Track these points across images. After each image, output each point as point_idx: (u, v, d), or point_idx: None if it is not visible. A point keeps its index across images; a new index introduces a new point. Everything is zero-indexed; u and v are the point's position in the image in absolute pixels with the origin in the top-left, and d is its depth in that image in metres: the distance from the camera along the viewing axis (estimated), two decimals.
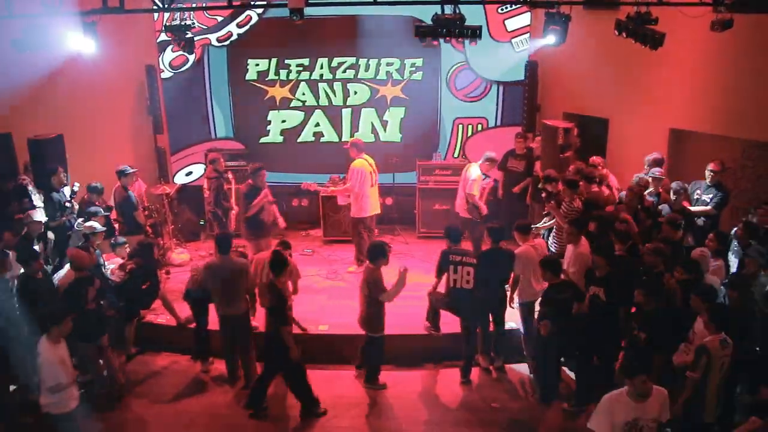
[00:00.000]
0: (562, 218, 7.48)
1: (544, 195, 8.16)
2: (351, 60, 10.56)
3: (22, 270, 6.52)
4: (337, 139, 10.87)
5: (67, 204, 7.85)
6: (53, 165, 7.84)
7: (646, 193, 7.69)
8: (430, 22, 6.85)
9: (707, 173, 7.50)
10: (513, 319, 7.29)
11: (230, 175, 9.45)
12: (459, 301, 6.79)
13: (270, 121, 10.92)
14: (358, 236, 9.11)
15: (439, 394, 6.88)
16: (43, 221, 7.36)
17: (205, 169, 9.72)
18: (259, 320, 7.14)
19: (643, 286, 5.76)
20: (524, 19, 10.26)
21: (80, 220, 7.65)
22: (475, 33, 6.78)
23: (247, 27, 10.58)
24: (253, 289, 6.98)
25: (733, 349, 5.06)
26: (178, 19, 7.56)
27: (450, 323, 7.08)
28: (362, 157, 8.94)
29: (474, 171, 8.81)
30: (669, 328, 5.66)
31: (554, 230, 7.73)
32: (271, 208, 8.53)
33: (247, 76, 10.73)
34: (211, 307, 7.08)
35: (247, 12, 10.43)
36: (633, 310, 6.18)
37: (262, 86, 10.75)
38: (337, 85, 10.72)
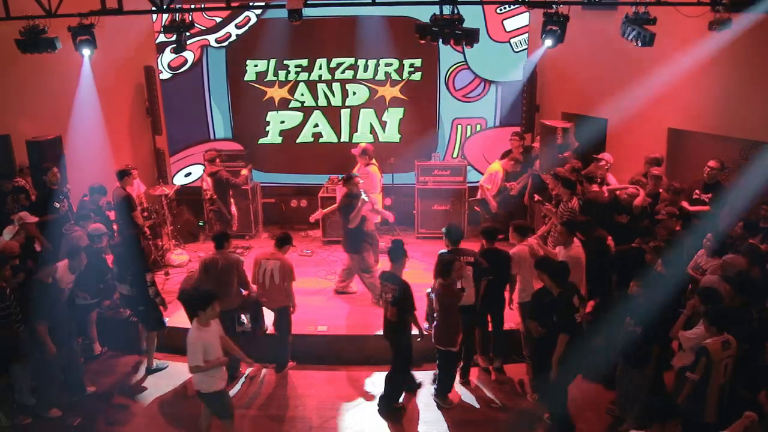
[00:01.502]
0: (558, 220, 7.50)
1: (537, 198, 8.18)
2: (350, 60, 10.56)
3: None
4: (336, 140, 10.88)
5: (57, 204, 7.82)
6: (46, 165, 7.84)
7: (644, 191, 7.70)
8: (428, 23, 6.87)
9: (706, 171, 7.51)
10: (511, 320, 7.29)
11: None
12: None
13: (269, 122, 10.92)
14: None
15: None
16: (35, 221, 7.34)
17: (204, 169, 9.71)
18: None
19: (638, 278, 5.78)
20: (523, 19, 10.27)
21: (70, 223, 7.63)
22: (472, 36, 6.79)
23: (245, 28, 10.58)
24: (247, 285, 7.00)
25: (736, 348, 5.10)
26: (177, 18, 7.57)
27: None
28: (374, 163, 8.91)
29: (494, 166, 8.87)
30: (663, 321, 5.69)
31: (552, 232, 7.74)
32: (371, 214, 8.15)
33: (246, 77, 10.73)
34: None
35: (246, 13, 10.44)
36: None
37: (260, 87, 10.75)
38: (336, 86, 10.72)
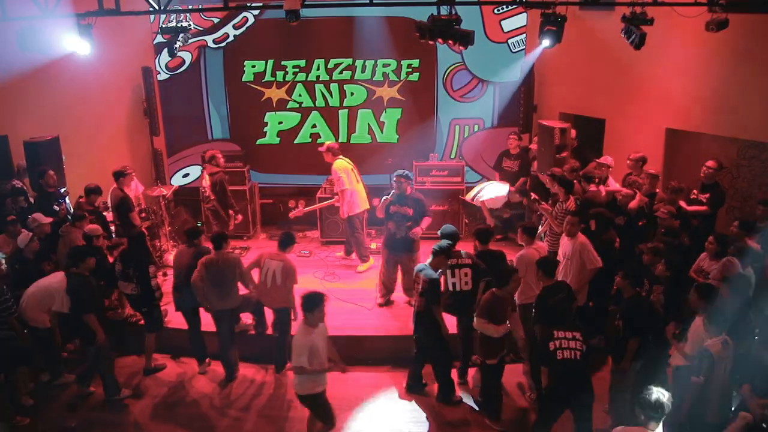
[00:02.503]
0: (553, 219, 7.51)
1: (533, 197, 8.20)
2: (347, 61, 10.54)
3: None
4: (333, 141, 10.85)
5: (56, 207, 7.80)
6: (42, 168, 7.82)
7: (640, 192, 7.70)
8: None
9: (704, 171, 7.53)
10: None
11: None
12: (460, 303, 6.77)
13: (267, 123, 10.91)
14: (356, 234, 9.17)
15: (436, 394, 6.88)
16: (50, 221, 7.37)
17: (202, 169, 9.68)
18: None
19: (624, 271, 5.80)
20: (520, 19, 10.27)
21: (66, 224, 7.60)
22: (467, 38, 6.80)
23: (243, 29, 10.57)
24: (248, 283, 7.04)
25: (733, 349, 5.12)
26: (174, 21, 7.55)
27: (447, 325, 7.07)
28: (340, 158, 9.03)
29: (501, 191, 8.95)
30: (645, 317, 5.73)
31: (548, 231, 7.75)
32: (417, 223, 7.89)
33: (244, 78, 10.70)
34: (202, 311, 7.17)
35: (244, 14, 10.43)
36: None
37: (258, 88, 10.74)
38: (334, 87, 10.71)
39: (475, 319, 6.19)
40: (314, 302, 5.30)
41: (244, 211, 10.30)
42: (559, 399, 5.57)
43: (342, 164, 9.00)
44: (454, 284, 6.71)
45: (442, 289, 6.83)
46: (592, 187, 8.02)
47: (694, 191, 7.63)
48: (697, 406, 5.15)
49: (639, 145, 8.63)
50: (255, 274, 7.11)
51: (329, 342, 5.58)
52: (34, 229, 7.10)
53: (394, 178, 8.02)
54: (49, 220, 7.32)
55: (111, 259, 7.49)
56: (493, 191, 9.40)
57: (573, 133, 8.82)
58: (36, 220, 7.18)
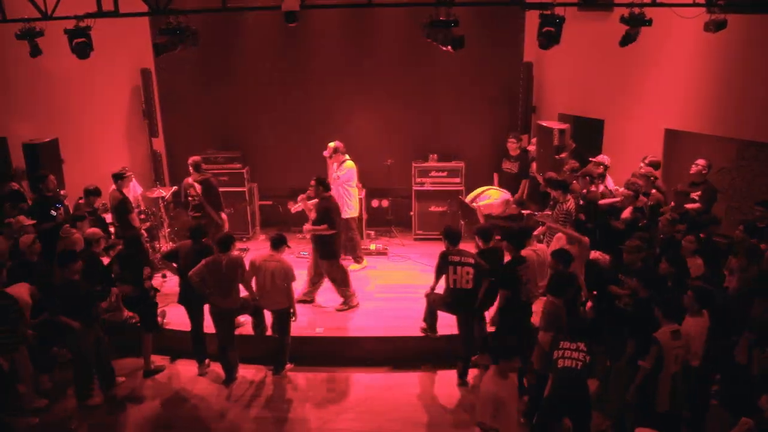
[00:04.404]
0: (554, 222, 7.51)
1: (526, 213, 8.19)
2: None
3: None
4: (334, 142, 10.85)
5: (53, 212, 7.77)
6: (43, 172, 7.79)
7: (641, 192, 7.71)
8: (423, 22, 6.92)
9: (693, 169, 7.60)
10: None
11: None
12: (459, 301, 6.78)
13: (266, 123, 10.90)
14: (351, 234, 9.19)
15: (436, 395, 6.89)
16: (33, 223, 7.32)
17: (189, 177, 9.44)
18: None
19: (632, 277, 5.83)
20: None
21: (66, 226, 7.58)
22: (459, 42, 6.83)
23: (241, 29, 10.54)
24: (248, 287, 7.02)
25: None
26: (173, 21, 7.56)
27: (447, 325, 7.08)
28: (348, 158, 9.03)
29: (495, 194, 9.08)
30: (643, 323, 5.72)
31: (547, 232, 7.75)
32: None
33: (241, 78, 10.68)
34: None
35: (242, 14, 10.40)
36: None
37: (257, 88, 10.72)
38: (333, 87, 10.70)
39: (541, 333, 5.93)
40: (507, 353, 4.88)
41: (243, 212, 10.29)
42: (556, 407, 5.53)
43: (352, 165, 8.97)
44: (455, 281, 6.70)
45: (443, 288, 6.86)
46: (591, 188, 8.02)
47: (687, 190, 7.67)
48: (646, 395, 5.21)
49: (638, 146, 8.64)
50: (252, 281, 7.09)
51: (516, 396, 5.15)
52: (16, 230, 7.07)
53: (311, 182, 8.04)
54: (32, 221, 7.27)
55: (107, 260, 7.48)
56: (491, 196, 9.35)
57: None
58: (20, 222, 7.15)
